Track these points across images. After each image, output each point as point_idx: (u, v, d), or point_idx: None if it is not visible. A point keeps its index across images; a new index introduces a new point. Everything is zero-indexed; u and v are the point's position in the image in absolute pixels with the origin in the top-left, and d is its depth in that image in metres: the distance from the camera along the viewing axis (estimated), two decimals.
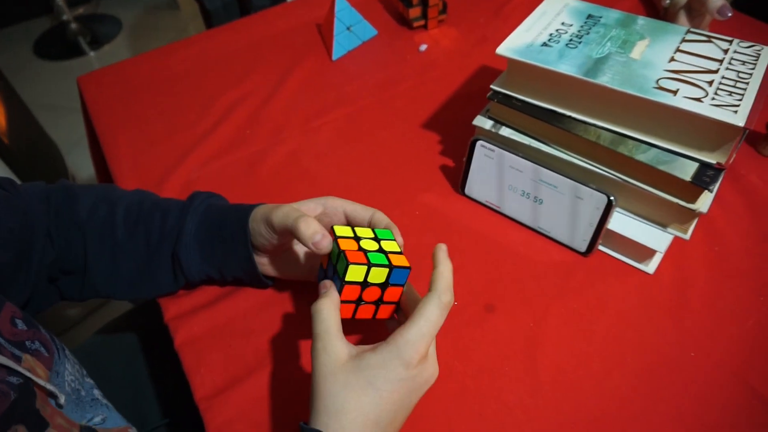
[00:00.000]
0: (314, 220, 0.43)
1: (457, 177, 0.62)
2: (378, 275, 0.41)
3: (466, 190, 0.61)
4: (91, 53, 2.36)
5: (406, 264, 0.42)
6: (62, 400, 0.44)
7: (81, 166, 1.81)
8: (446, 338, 0.50)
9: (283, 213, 0.45)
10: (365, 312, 0.43)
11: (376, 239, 0.44)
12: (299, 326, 0.52)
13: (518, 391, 0.47)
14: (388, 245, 0.43)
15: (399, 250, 0.43)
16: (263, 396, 0.48)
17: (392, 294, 0.43)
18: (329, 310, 0.39)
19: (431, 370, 0.39)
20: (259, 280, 0.52)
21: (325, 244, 0.42)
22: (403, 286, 0.43)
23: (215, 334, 0.52)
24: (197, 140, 0.72)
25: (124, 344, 0.69)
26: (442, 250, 0.41)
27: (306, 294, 0.54)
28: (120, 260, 0.51)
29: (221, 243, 0.50)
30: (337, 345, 0.38)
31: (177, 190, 0.66)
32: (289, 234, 0.45)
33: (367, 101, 0.75)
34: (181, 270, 0.50)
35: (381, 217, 0.46)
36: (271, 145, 0.70)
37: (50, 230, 0.51)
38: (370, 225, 0.46)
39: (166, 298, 0.55)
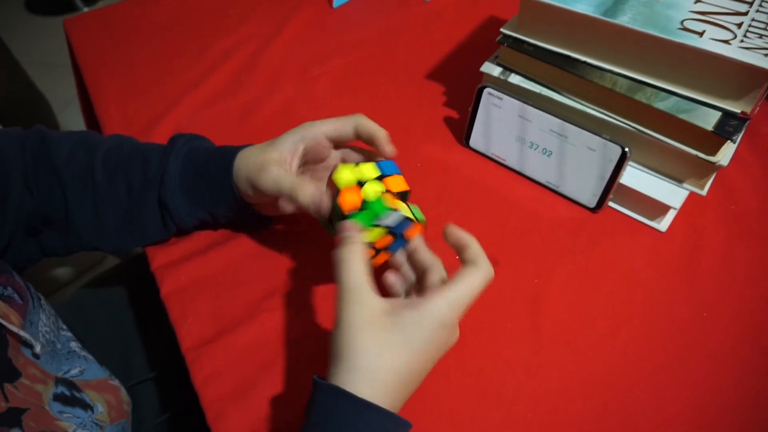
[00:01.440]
0: (308, 185, 0.41)
1: (462, 129, 0.59)
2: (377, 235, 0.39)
3: (471, 142, 0.58)
4: (85, 9, 2.29)
5: (410, 216, 0.39)
6: (38, 349, 0.42)
7: (73, 125, 1.76)
8: None
9: (272, 179, 0.42)
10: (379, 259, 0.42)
11: (381, 177, 0.41)
12: (292, 278, 0.50)
13: (520, 348, 0.45)
14: (394, 183, 0.40)
15: (406, 188, 0.41)
16: (253, 348, 0.46)
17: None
18: (358, 258, 0.36)
19: (457, 334, 0.37)
20: (255, 220, 0.49)
21: (324, 207, 0.40)
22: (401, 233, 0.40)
23: (204, 283, 0.50)
24: (189, 87, 0.68)
25: (111, 297, 0.67)
26: (458, 228, 0.39)
27: (301, 246, 0.52)
28: (102, 207, 0.48)
29: (207, 187, 0.47)
30: (372, 298, 0.35)
31: (166, 137, 0.61)
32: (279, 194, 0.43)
33: (368, 51, 0.72)
34: (171, 217, 0.48)
35: (365, 123, 0.44)
36: (267, 93, 0.67)
37: (27, 177, 0.47)
38: (358, 135, 0.44)
39: (154, 247, 0.53)
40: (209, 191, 0.47)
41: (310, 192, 0.41)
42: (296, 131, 0.46)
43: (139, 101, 0.67)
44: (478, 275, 0.36)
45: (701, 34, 0.43)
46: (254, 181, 0.44)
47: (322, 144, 0.45)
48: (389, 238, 0.40)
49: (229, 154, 0.46)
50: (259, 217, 0.49)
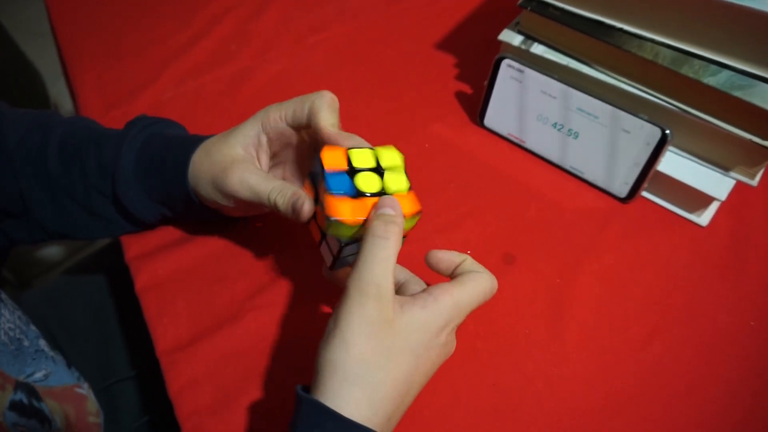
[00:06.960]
0: (288, 186, 0.35)
1: (476, 105, 0.53)
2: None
3: (486, 121, 0.52)
4: None
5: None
6: None
7: (65, 99, 1.70)
8: None
9: (244, 184, 0.36)
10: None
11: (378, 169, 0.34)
12: (281, 275, 0.44)
13: (540, 359, 0.40)
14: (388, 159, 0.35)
15: (400, 163, 0.35)
16: (236, 352, 0.41)
17: None
18: (389, 251, 0.30)
19: (455, 343, 0.33)
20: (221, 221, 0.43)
21: (307, 210, 0.34)
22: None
23: (183, 277, 0.44)
24: (173, 55, 0.62)
25: (92, 286, 0.62)
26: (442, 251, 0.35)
27: (291, 239, 0.46)
28: (60, 197, 0.42)
29: (164, 184, 0.41)
30: (391, 300, 0.30)
31: (144, 111, 0.56)
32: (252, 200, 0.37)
33: (371, 16, 0.65)
34: (129, 213, 0.42)
35: (318, 102, 0.37)
36: (258, 63, 0.60)
37: None
38: (311, 113, 0.37)
39: (129, 235, 0.47)
40: (166, 189, 0.41)
41: (288, 197, 0.35)
42: (256, 118, 0.39)
43: (117, 71, 0.61)
44: (485, 279, 0.33)
45: None
46: (221, 185, 0.37)
47: (285, 133, 0.39)
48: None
49: (186, 148, 0.39)
50: (223, 219, 0.43)
